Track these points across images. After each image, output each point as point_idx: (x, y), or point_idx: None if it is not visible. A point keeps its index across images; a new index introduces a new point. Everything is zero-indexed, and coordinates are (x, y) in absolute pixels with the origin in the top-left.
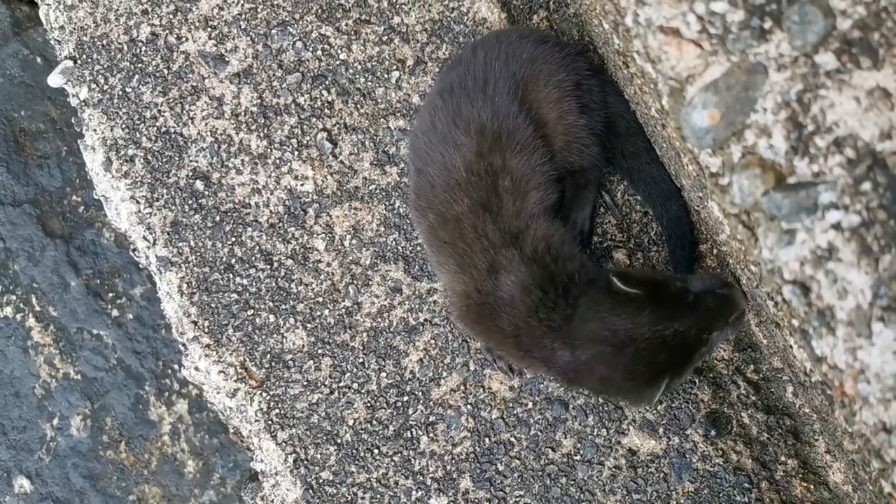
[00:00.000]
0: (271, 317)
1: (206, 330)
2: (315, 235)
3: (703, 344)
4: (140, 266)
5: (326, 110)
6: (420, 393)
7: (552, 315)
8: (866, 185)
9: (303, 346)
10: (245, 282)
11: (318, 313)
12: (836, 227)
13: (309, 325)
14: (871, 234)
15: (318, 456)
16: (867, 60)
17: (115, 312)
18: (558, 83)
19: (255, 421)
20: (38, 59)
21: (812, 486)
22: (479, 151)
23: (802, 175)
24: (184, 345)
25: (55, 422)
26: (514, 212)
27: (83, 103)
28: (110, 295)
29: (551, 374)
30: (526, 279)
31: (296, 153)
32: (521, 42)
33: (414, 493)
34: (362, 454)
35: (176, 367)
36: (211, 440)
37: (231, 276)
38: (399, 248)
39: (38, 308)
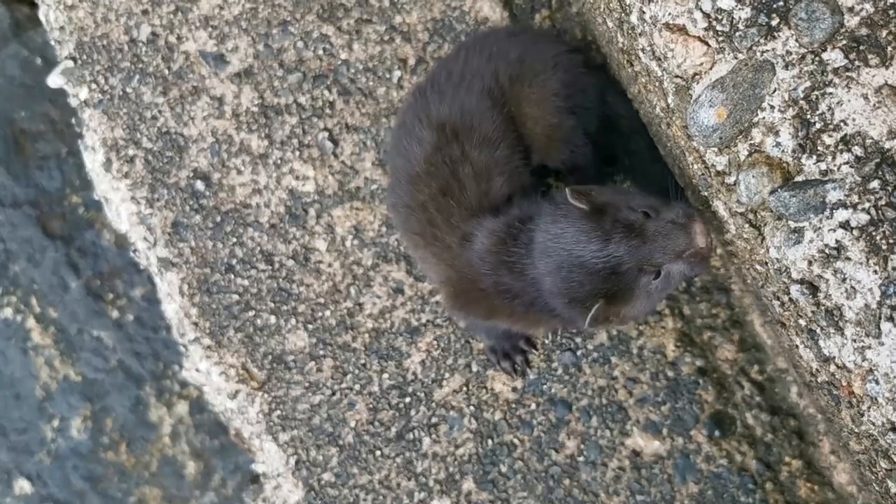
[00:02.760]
0: (272, 318)
1: (207, 331)
2: (316, 236)
3: (648, 275)
4: (140, 267)
5: (327, 110)
6: (422, 394)
7: (520, 238)
8: (875, 184)
9: (304, 348)
10: (246, 283)
11: (320, 314)
12: (845, 225)
13: (310, 326)
14: (879, 232)
15: (320, 457)
16: (875, 58)
17: (115, 314)
18: (542, 83)
19: (257, 422)
20: (38, 60)
21: (817, 487)
22: (437, 145)
23: (810, 173)
24: (184, 346)
25: (55, 423)
26: (482, 192)
27: (83, 104)
28: (110, 296)
29: (531, 313)
30: (493, 226)
31: (297, 153)
32: (509, 40)
33: (416, 494)
34: (364, 456)
35: (176, 368)
36: (211, 442)
37: (232, 276)
38: (401, 248)
39: (38, 309)
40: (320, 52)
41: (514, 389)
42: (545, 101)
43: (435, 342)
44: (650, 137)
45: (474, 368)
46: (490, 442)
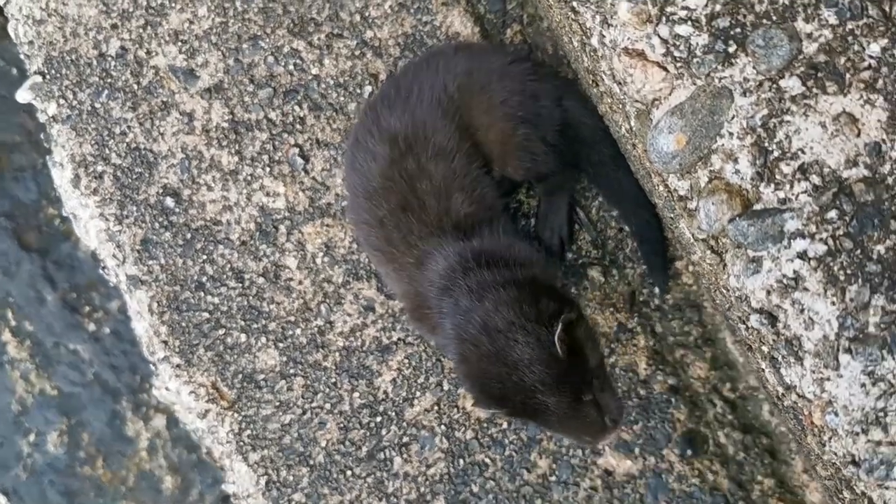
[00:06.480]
0: (243, 336)
1: (177, 350)
2: (287, 253)
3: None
4: (111, 284)
5: (298, 125)
6: (393, 413)
7: (471, 276)
8: (832, 213)
9: (275, 366)
10: (216, 300)
11: (290, 332)
12: (802, 255)
13: (281, 345)
14: (837, 263)
15: (291, 478)
16: (833, 85)
17: (91, 327)
18: (489, 92)
19: (227, 442)
20: (14, 71)
21: None
22: (392, 158)
23: (768, 202)
24: (154, 364)
25: (31, 437)
26: (442, 210)
27: (52, 119)
28: (87, 309)
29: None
30: (449, 252)
31: (267, 169)
32: (456, 55)
33: None
34: (335, 476)
35: (154, 380)
36: (189, 456)
37: (202, 294)
38: (372, 265)
39: (13, 322)
40: (291, 67)
41: None
42: (494, 109)
43: (406, 360)
44: (615, 145)
45: (446, 387)
46: (461, 461)
